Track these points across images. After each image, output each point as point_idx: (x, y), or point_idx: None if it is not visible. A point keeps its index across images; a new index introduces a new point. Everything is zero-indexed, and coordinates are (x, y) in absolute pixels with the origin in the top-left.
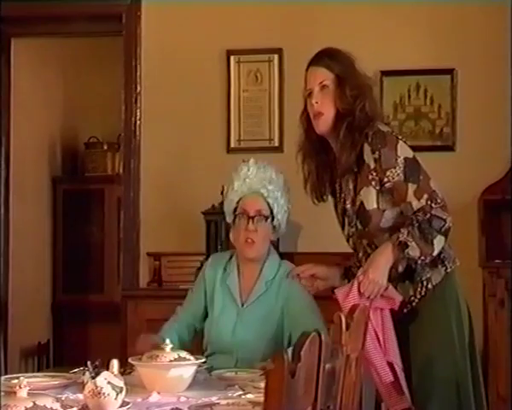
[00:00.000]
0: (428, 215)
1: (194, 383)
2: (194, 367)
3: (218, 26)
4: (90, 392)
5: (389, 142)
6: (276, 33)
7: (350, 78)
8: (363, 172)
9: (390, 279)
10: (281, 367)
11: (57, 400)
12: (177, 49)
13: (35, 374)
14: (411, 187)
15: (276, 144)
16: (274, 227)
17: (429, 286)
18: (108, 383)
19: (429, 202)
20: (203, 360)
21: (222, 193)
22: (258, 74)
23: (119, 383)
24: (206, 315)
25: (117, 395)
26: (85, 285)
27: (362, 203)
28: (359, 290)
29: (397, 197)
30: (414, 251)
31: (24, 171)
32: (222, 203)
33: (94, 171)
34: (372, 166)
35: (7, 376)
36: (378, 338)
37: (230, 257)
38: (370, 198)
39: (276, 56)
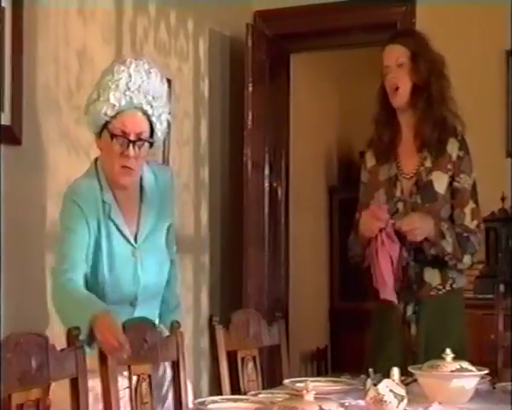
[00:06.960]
0: (466, 235)
1: (477, 395)
2: (477, 379)
3: (496, 26)
4: (371, 399)
5: (470, 156)
6: None
7: (424, 53)
8: (443, 158)
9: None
10: None
11: (341, 405)
12: (452, 51)
13: (317, 379)
14: (472, 203)
15: None
16: (151, 146)
17: (454, 286)
18: (390, 390)
19: (475, 228)
20: (486, 371)
21: (502, 199)
22: None
23: (401, 391)
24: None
25: (398, 403)
26: (361, 293)
27: (431, 182)
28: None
29: (457, 200)
30: (447, 245)
31: (302, 181)
32: (502, 210)
33: None
34: (454, 158)
35: (291, 379)
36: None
37: (100, 186)
38: (442, 183)
39: None
